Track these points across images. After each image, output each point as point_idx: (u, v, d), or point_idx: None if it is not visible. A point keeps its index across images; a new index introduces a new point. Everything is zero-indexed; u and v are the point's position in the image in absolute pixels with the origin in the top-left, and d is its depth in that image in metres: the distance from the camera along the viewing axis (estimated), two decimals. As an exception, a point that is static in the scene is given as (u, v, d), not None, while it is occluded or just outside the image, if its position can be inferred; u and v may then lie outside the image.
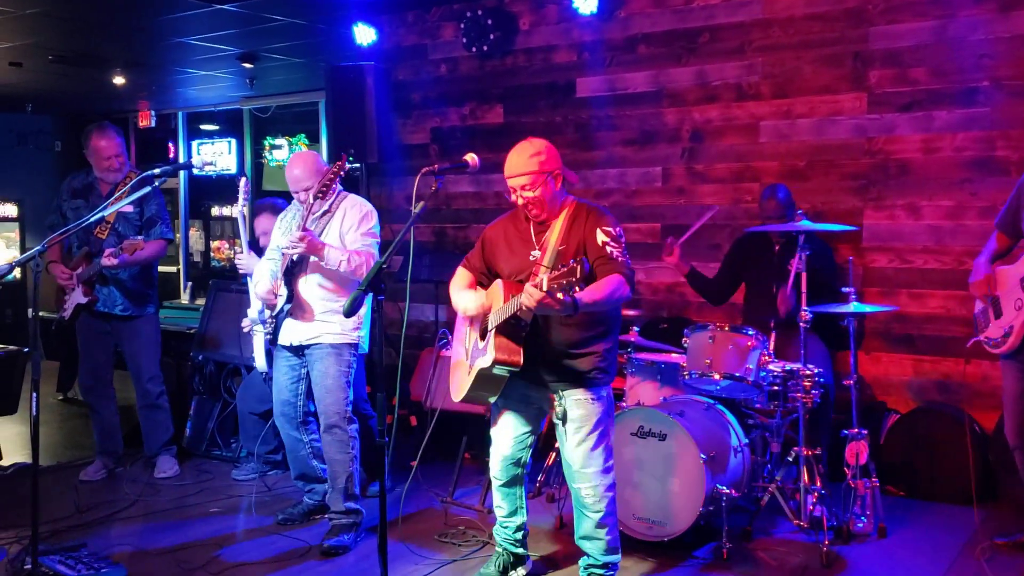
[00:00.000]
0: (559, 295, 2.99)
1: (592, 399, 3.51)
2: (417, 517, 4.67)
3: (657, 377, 4.77)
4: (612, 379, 3.61)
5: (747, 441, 4.46)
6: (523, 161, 3.45)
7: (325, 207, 4.35)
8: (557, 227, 3.48)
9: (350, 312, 3.07)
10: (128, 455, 5.60)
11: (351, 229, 4.30)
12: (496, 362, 3.37)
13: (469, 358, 3.61)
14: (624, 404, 4.67)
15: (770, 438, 4.52)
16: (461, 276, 3.77)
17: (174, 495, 5.10)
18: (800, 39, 5.51)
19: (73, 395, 7.43)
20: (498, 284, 3.51)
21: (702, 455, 4.06)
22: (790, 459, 4.39)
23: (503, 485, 3.78)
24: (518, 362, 3.38)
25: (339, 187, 4.45)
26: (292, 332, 4.34)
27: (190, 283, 11.30)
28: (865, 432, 4.33)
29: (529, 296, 3.10)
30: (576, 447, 3.51)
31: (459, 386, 3.68)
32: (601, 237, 3.39)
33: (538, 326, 3.45)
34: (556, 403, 3.50)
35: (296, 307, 4.31)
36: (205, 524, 4.64)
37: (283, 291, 4.32)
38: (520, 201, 3.48)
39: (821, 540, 4.08)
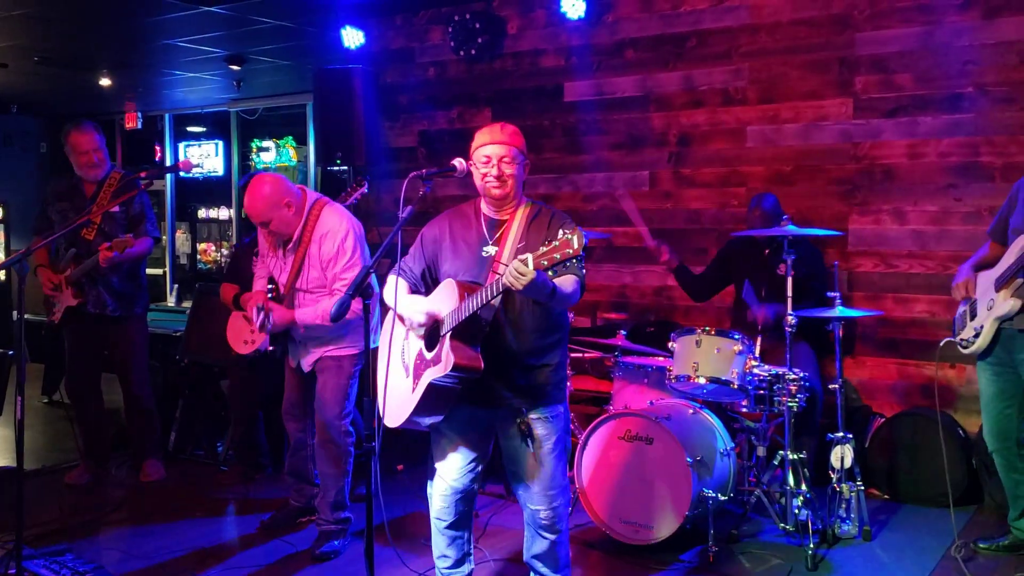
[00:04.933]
0: (549, 273, 2.75)
1: (550, 417, 3.25)
2: (404, 521, 4.66)
3: (644, 380, 4.78)
4: (566, 395, 3.37)
5: (733, 445, 4.47)
6: (507, 134, 3.28)
7: (297, 236, 4.13)
8: (516, 223, 3.22)
9: (337, 316, 3.04)
10: (114, 458, 5.57)
11: (329, 265, 4.08)
12: (456, 367, 2.99)
13: (412, 374, 3.21)
14: (610, 408, 4.69)
15: (756, 442, 4.54)
16: (398, 284, 3.24)
17: (160, 499, 5.08)
18: (786, 44, 5.53)
19: (58, 398, 7.37)
20: (450, 284, 3.12)
21: (688, 459, 4.07)
22: (776, 463, 4.41)
23: (449, 527, 3.43)
24: (479, 367, 3.04)
25: (312, 197, 4.20)
26: (295, 358, 4.33)
27: (176, 285, 11.27)
28: (850, 436, 4.36)
29: (517, 276, 2.75)
30: (538, 468, 3.24)
31: (400, 409, 3.23)
32: (563, 234, 2.90)
33: (494, 332, 3.14)
34: (518, 419, 3.20)
35: (292, 347, 4.30)
36: (191, 528, 4.63)
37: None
38: (495, 172, 3.20)
39: (806, 543, 4.10)
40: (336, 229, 4.09)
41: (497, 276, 2.93)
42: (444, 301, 3.13)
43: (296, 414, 4.45)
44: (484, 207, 3.33)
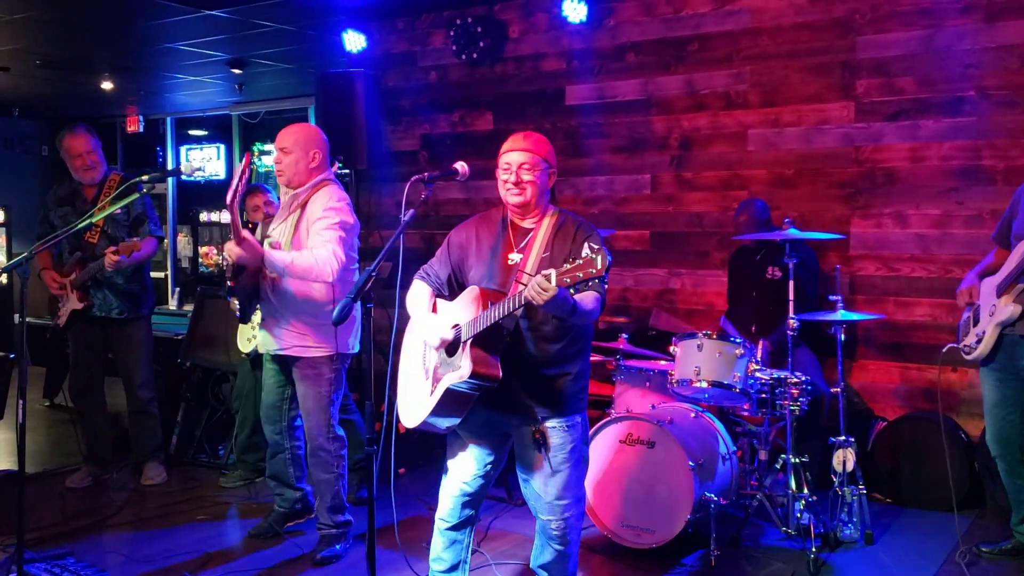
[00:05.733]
0: (571, 291, 2.74)
1: (567, 426, 3.23)
2: (405, 524, 4.66)
3: (646, 384, 4.78)
4: (585, 405, 3.34)
5: (735, 449, 4.47)
6: (530, 141, 3.27)
7: (301, 199, 4.10)
8: (541, 232, 3.23)
9: (339, 320, 3.03)
10: (115, 462, 5.56)
11: (314, 224, 4.00)
12: (474, 375, 3.01)
13: (431, 377, 3.24)
14: (612, 411, 4.68)
15: (758, 445, 4.54)
16: (420, 291, 3.35)
17: (161, 502, 5.08)
18: (788, 48, 5.54)
19: (60, 401, 7.39)
20: (474, 291, 3.15)
21: (690, 462, 4.07)
22: (778, 467, 4.40)
23: (451, 528, 3.41)
24: (497, 375, 3.05)
25: (324, 174, 4.18)
26: (269, 340, 4.21)
27: (178, 289, 11.29)
28: (852, 439, 4.35)
29: (539, 292, 2.74)
30: (550, 478, 3.22)
31: (418, 410, 3.25)
32: (587, 252, 2.85)
33: (515, 339, 3.16)
34: (533, 427, 3.20)
35: (268, 312, 4.16)
36: (193, 532, 4.62)
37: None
38: (513, 179, 3.19)
39: (808, 547, 4.09)
40: (332, 196, 4.07)
41: (520, 289, 2.93)
42: (467, 307, 3.14)
43: (273, 416, 4.40)
44: (511, 214, 3.33)
